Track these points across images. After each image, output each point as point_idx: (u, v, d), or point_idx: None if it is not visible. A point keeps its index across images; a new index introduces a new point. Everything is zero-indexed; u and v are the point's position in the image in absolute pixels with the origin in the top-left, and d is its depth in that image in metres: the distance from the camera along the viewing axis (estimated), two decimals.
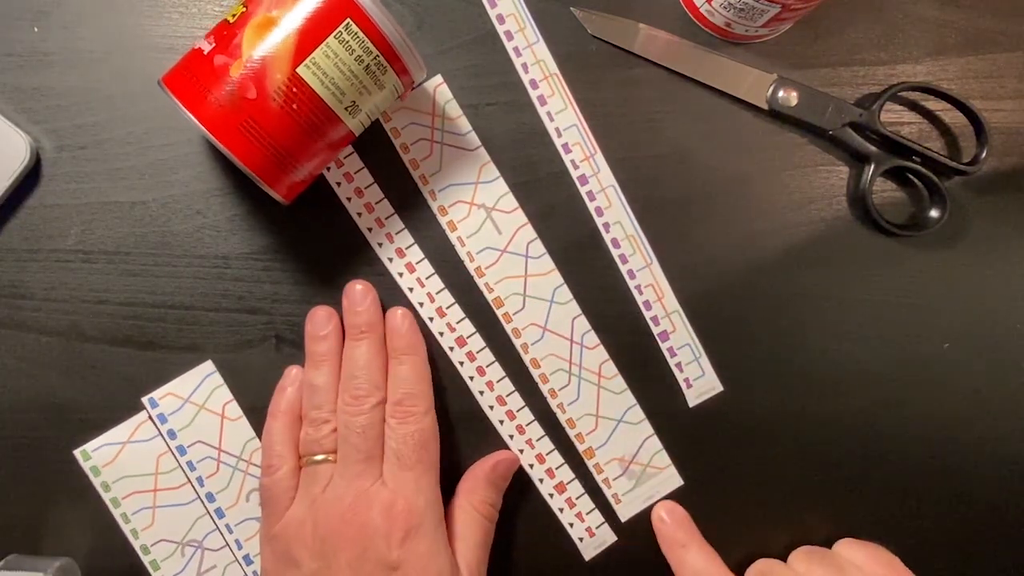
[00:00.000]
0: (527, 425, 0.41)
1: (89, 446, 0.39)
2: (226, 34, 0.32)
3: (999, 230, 0.42)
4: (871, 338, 0.42)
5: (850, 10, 0.41)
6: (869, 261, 0.42)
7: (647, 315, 0.41)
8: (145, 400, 0.39)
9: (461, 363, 0.41)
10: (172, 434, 0.39)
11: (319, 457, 0.37)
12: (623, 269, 0.41)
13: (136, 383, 0.39)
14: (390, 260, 0.40)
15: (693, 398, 0.42)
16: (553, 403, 0.41)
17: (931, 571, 0.39)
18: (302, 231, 0.39)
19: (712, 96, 0.41)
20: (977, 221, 0.42)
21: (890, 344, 0.42)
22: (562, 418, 0.41)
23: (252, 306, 0.39)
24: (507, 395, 0.41)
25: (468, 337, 0.40)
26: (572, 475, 0.41)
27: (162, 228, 0.39)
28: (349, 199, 0.39)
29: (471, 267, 0.40)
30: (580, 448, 0.41)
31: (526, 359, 0.41)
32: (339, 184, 0.39)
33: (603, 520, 0.42)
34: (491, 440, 0.41)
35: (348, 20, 0.31)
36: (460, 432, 0.41)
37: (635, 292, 0.41)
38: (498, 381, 0.41)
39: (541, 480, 0.41)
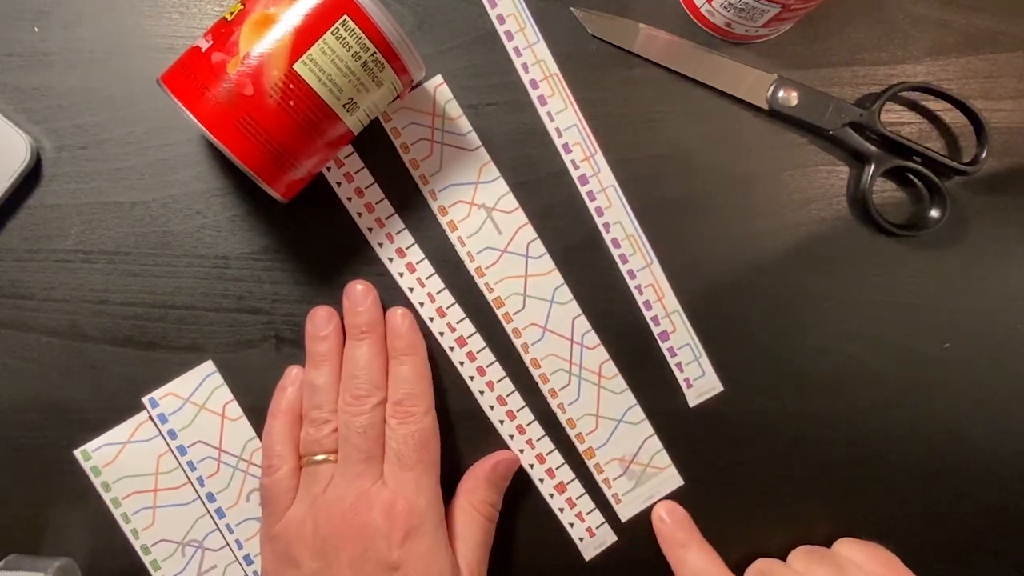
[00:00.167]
0: (527, 425, 0.41)
1: (89, 446, 0.39)
2: (224, 31, 0.32)
3: (999, 230, 0.42)
4: (871, 338, 0.42)
5: (850, 10, 0.41)
6: (869, 261, 0.42)
7: (647, 315, 0.41)
8: (145, 400, 0.39)
9: (461, 363, 0.41)
10: (172, 434, 0.39)
11: (319, 457, 0.37)
12: (623, 269, 0.41)
13: (136, 383, 0.39)
14: (390, 260, 0.40)
15: (693, 398, 0.42)
16: (553, 403, 0.41)
17: (931, 571, 0.38)
18: (302, 231, 0.39)
19: (712, 96, 0.41)
20: (977, 221, 0.42)
21: (890, 344, 0.42)
22: (562, 418, 0.41)
23: (252, 306, 0.39)
24: (507, 395, 0.41)
25: (468, 337, 0.40)
26: (572, 475, 0.41)
27: (162, 228, 0.39)
28: (349, 199, 0.39)
29: (471, 267, 0.40)
30: (580, 448, 0.41)
31: (526, 359, 0.41)
32: (339, 184, 0.39)
33: (603, 520, 0.42)
34: (491, 440, 0.41)
35: (345, 17, 0.31)
36: (460, 432, 0.41)
37: (635, 292, 0.41)
38: (498, 381, 0.41)
39: (541, 480, 0.41)
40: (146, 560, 0.40)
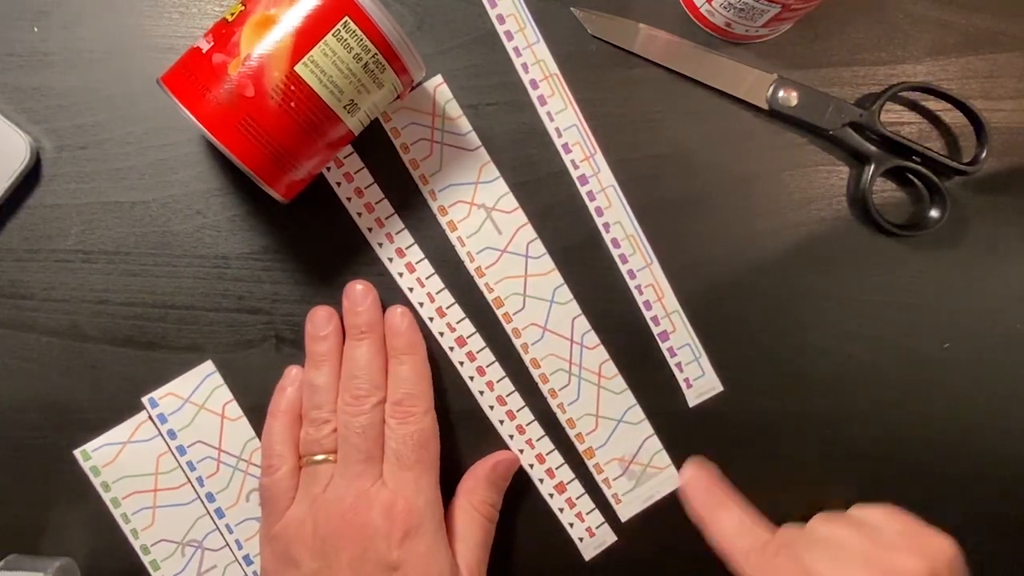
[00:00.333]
0: (527, 425, 0.41)
1: (89, 446, 0.39)
2: (224, 32, 0.32)
3: (999, 230, 0.42)
4: (871, 338, 0.42)
5: (850, 10, 0.41)
6: (869, 261, 0.42)
7: (647, 315, 0.41)
8: (145, 400, 0.39)
9: (461, 363, 0.41)
10: (172, 434, 0.39)
11: (319, 457, 0.37)
12: (623, 269, 0.41)
13: (136, 383, 0.39)
14: (390, 260, 0.40)
15: (693, 398, 0.42)
16: (553, 403, 0.41)
17: None
18: (302, 231, 0.39)
19: (712, 96, 0.41)
20: (977, 221, 0.42)
21: (890, 344, 0.42)
22: (562, 418, 0.41)
23: (252, 306, 0.39)
24: (507, 395, 0.41)
25: (468, 337, 0.40)
26: (572, 475, 0.41)
27: (162, 228, 0.39)
28: (349, 199, 0.39)
29: (471, 267, 0.40)
30: (580, 448, 0.41)
31: (526, 359, 0.41)
32: (339, 184, 0.39)
33: (603, 520, 0.42)
34: (491, 440, 0.41)
35: (346, 18, 0.31)
36: (460, 432, 0.41)
37: (635, 292, 0.41)
38: (498, 381, 0.41)
39: (541, 480, 0.41)
40: (146, 560, 0.40)
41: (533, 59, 0.40)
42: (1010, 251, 0.42)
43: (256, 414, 0.39)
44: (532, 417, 0.41)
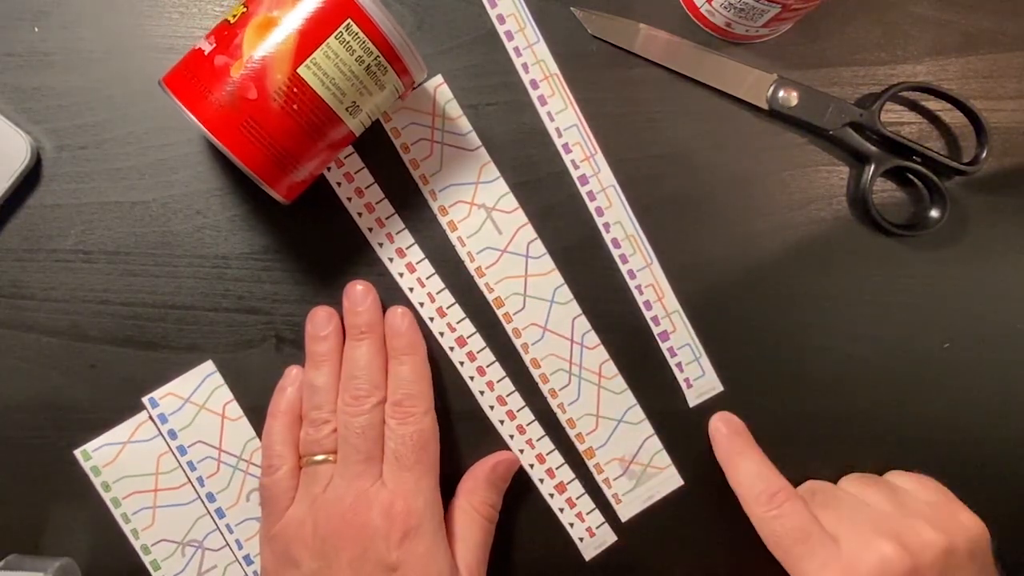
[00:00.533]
0: (527, 425, 0.41)
1: (89, 446, 0.39)
2: (227, 34, 0.32)
3: (999, 230, 0.42)
4: (871, 338, 0.42)
5: (850, 10, 0.41)
6: (869, 261, 0.42)
7: (647, 315, 0.41)
8: (145, 400, 0.39)
9: (461, 363, 0.41)
10: (172, 434, 0.39)
11: (319, 457, 0.37)
12: (623, 269, 0.41)
13: (136, 383, 0.39)
14: (390, 260, 0.40)
15: (693, 398, 0.42)
16: (553, 403, 0.41)
17: None
18: (302, 231, 0.39)
19: (712, 96, 0.41)
20: (977, 221, 0.42)
21: (890, 344, 0.42)
22: (562, 418, 0.41)
23: (252, 306, 0.39)
24: (507, 395, 0.41)
25: (468, 337, 0.40)
26: (572, 475, 0.41)
27: (162, 228, 0.39)
28: (349, 199, 0.39)
29: (471, 267, 0.40)
30: (580, 448, 0.41)
31: (526, 359, 0.41)
32: (339, 184, 0.39)
33: (603, 520, 0.42)
34: (491, 440, 0.41)
35: (349, 20, 0.31)
36: (460, 432, 0.41)
37: (635, 292, 0.41)
38: (498, 381, 0.41)
39: (541, 480, 0.41)
40: (146, 560, 0.40)
41: (533, 59, 0.40)
42: (1010, 251, 0.42)
43: (256, 414, 0.39)
44: (532, 417, 0.41)
